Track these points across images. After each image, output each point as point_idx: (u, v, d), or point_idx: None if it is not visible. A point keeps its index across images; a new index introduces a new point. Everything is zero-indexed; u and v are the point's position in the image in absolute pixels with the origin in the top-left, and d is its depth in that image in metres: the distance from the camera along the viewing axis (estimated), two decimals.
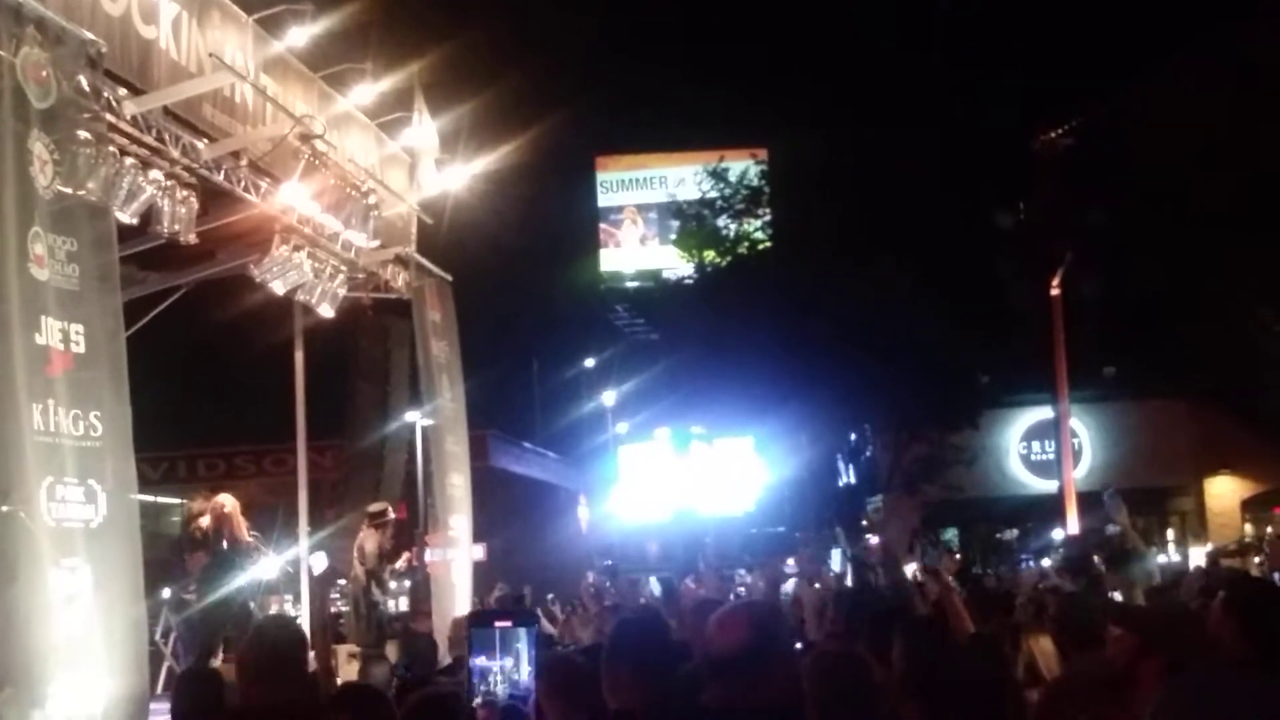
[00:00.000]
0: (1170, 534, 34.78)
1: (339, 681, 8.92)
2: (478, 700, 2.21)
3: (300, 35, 11.65)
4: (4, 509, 7.08)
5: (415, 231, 15.24)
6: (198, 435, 27.22)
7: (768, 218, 35.30)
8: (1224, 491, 34.41)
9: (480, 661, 2.25)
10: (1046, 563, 22.22)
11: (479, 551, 16.35)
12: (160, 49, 9.95)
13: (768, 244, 34.79)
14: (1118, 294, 26.76)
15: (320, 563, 14.17)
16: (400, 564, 14.95)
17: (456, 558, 15.27)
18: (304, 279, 12.92)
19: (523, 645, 2.32)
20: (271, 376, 16.41)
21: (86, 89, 8.33)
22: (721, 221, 35.23)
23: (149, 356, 10.70)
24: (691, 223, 36.26)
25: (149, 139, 9.96)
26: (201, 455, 28.34)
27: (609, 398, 42.97)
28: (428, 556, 16.05)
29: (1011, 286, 25.41)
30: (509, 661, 2.29)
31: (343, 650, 12.92)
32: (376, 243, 13.60)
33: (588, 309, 46.58)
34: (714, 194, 35.09)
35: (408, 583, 18.48)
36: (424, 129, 14.25)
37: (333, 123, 12.36)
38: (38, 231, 7.61)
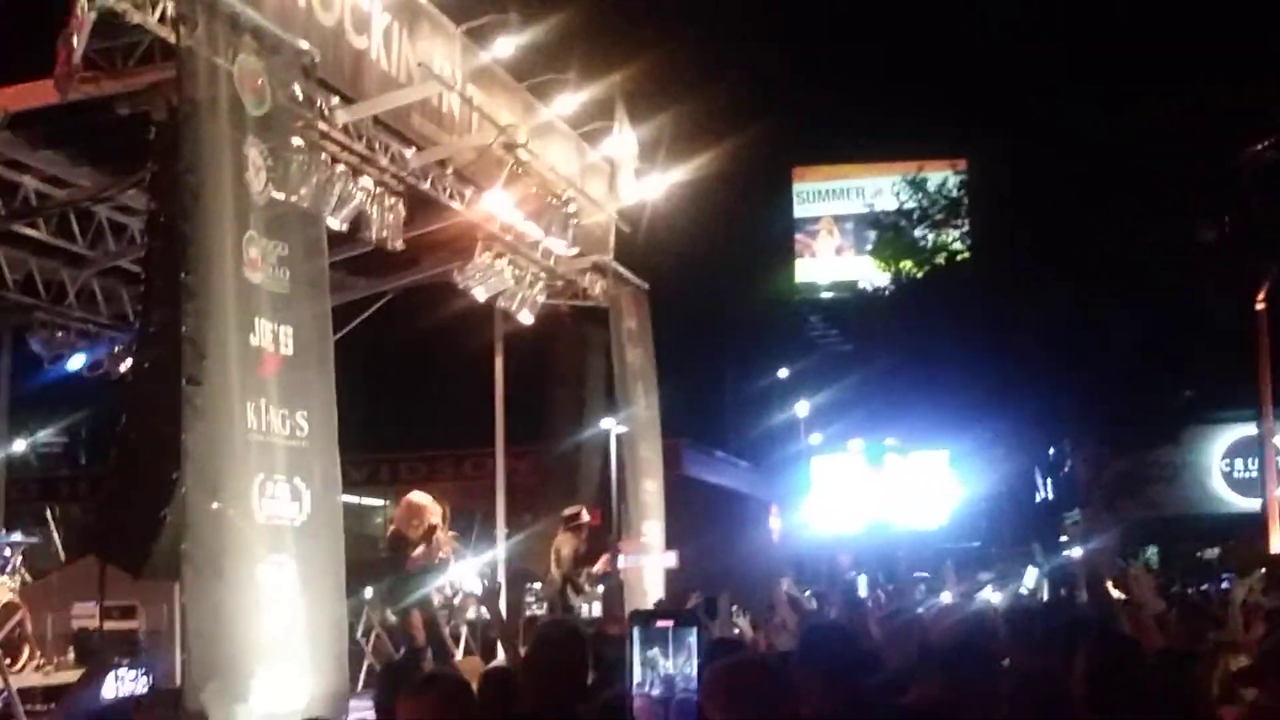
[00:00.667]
0: None
1: None
2: (637, 695, 2.13)
3: (506, 45, 11.76)
4: (214, 506, 7.25)
5: (613, 240, 15.28)
6: (400, 439, 27.85)
7: (966, 229, 34.51)
8: None
9: (641, 658, 2.15)
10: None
11: (671, 559, 16.27)
12: (371, 59, 10.15)
13: (966, 255, 33.99)
14: None
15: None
16: (597, 568, 14.98)
17: (649, 564, 15.24)
18: (505, 286, 13.08)
19: (685, 645, 2.20)
20: (471, 382, 16.67)
21: (300, 97, 8.54)
22: (919, 232, 34.59)
23: (355, 360, 10.91)
24: (889, 233, 35.68)
25: (359, 147, 10.18)
26: (404, 459, 29.00)
27: (802, 408, 42.56)
28: (621, 563, 16.05)
29: (1215, 301, 24.53)
30: (671, 661, 2.18)
31: None
32: (575, 250, 13.67)
33: (781, 319, 46.28)
34: (912, 204, 34.46)
35: (601, 588, 18.53)
36: (624, 138, 14.29)
37: (535, 132, 12.46)
38: (252, 235, 7.82)
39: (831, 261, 48.41)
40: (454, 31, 11.36)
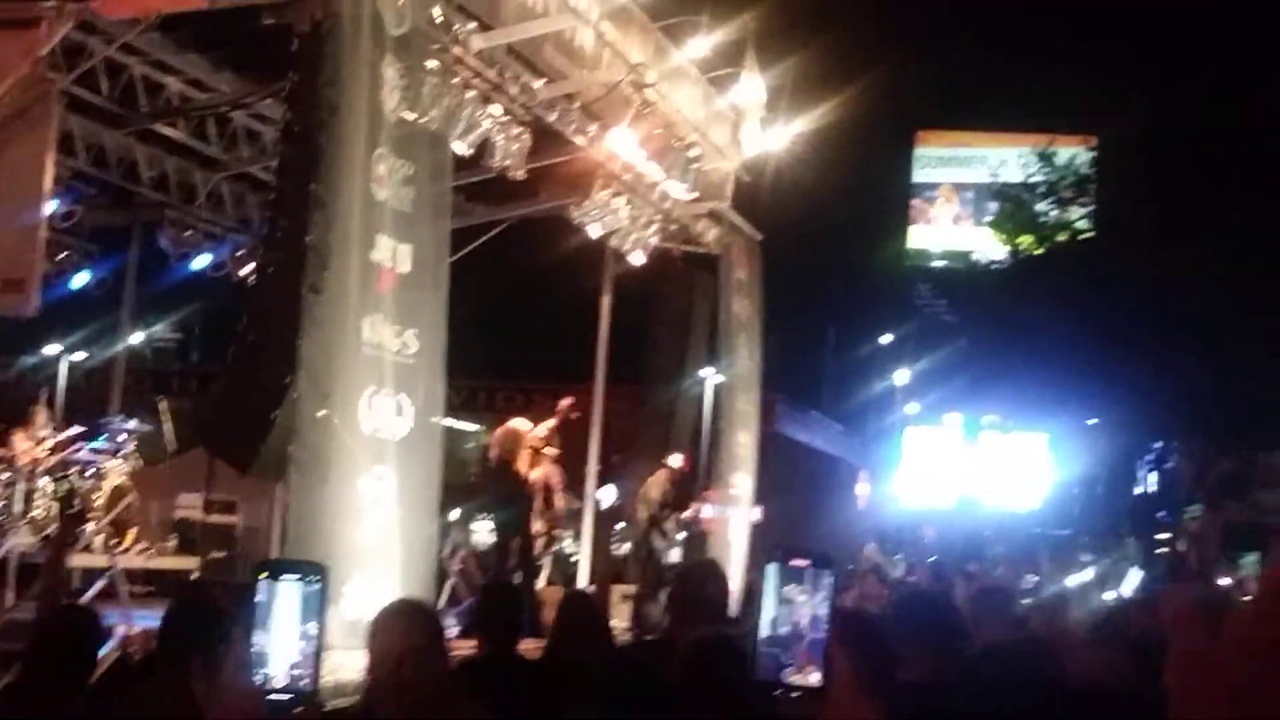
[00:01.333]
0: None
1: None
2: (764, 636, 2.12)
3: None
4: (322, 414, 7.45)
5: (731, 189, 15.23)
6: (500, 368, 28.12)
7: (1093, 208, 33.72)
8: None
9: (775, 596, 2.14)
10: None
11: (757, 514, 16.31)
12: None
13: (1089, 234, 33.23)
14: None
15: (610, 495, 14.39)
16: (688, 514, 15.08)
17: (735, 516, 15.30)
18: (619, 225, 13.13)
19: (822, 586, 2.20)
20: (576, 319, 16.76)
21: (438, 20, 8.65)
22: (1042, 206, 33.86)
23: (465, 286, 11.07)
24: (1011, 205, 35.00)
25: (490, 74, 10.26)
26: (501, 387, 29.27)
27: (901, 376, 42.16)
28: (706, 513, 16.14)
29: None
30: (808, 601, 2.17)
31: (617, 590, 13.14)
32: (693, 196, 13.67)
33: (890, 285, 45.71)
34: (1039, 178, 33.73)
35: (683, 535, 18.65)
36: (752, 86, 14.18)
37: (665, 74, 12.43)
38: (382, 153, 7.96)
39: (947, 230, 47.66)
40: None
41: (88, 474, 11.16)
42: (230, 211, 13.62)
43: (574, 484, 14.54)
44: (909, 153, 48.38)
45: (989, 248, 37.43)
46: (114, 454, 11.39)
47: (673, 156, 12.50)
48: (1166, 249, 27.65)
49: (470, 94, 9.98)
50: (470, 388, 28.18)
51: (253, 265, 11.50)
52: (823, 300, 40.74)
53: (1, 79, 7.97)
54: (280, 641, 2.43)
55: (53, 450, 11.19)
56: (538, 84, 10.94)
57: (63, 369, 24.17)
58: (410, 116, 8.31)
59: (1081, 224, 33.71)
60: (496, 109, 10.40)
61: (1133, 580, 13.32)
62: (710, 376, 18.46)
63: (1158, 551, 29.44)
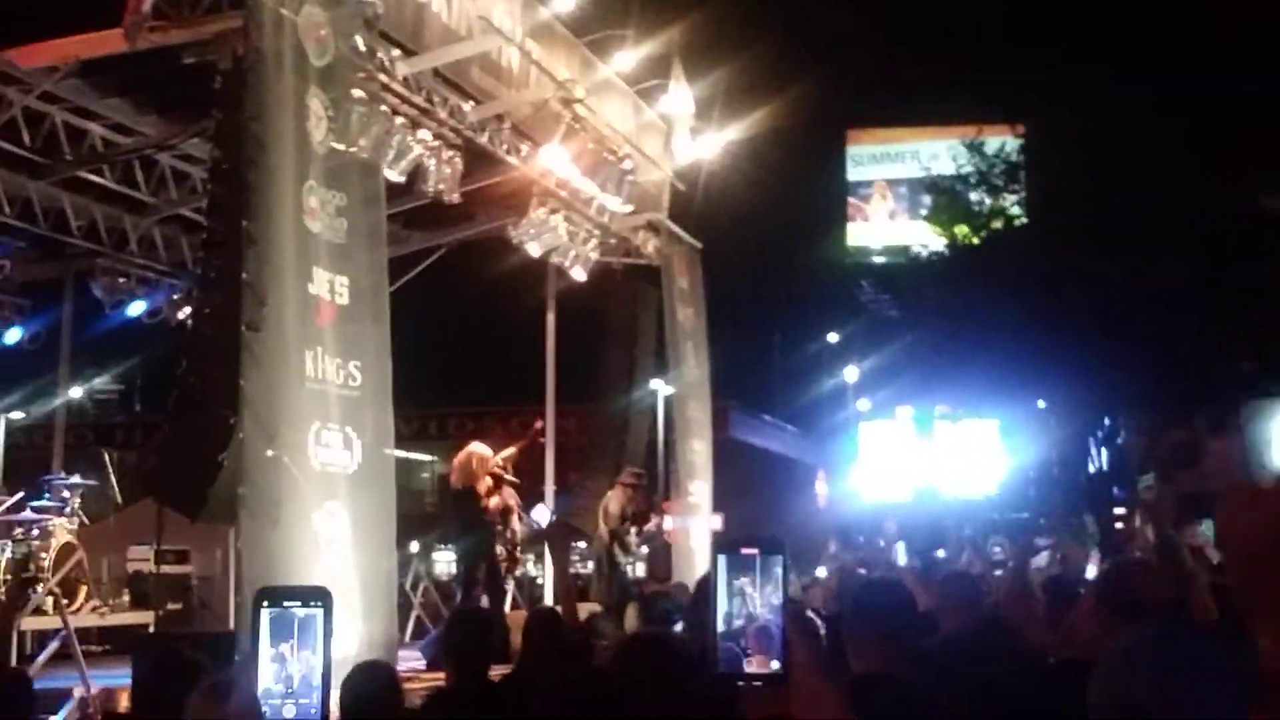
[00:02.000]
0: None
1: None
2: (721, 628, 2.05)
3: (566, 0, 11.71)
4: (270, 452, 7.32)
5: (667, 199, 15.23)
6: (449, 395, 27.99)
7: (1024, 194, 34.05)
8: None
9: (728, 589, 2.07)
10: None
11: (717, 521, 16.29)
12: (432, 11, 10.15)
13: (1023, 220, 33.56)
14: None
15: (543, 515, 14.29)
16: (650, 526, 15.01)
17: (695, 525, 15.26)
18: (559, 242, 13.08)
19: (772, 574, 2.13)
20: (522, 339, 16.70)
21: (362, 49, 8.56)
22: (975, 196, 34.15)
23: (408, 315, 10.97)
24: (945, 196, 35.27)
25: (419, 99, 10.19)
26: (452, 414, 29.11)
27: (851, 373, 42.41)
28: (667, 524, 16.08)
29: None
30: (759, 591, 2.11)
31: (584, 608, 13.03)
32: (630, 208, 13.65)
33: (832, 283, 46.02)
34: (969, 168, 34.03)
35: (646, 549, 18.58)
36: (681, 96, 14.20)
37: (593, 88, 12.42)
38: (312, 185, 7.87)
39: (884, 225, 48.01)
40: None
41: (34, 533, 10.91)
42: (164, 255, 13.42)
43: (532, 505, 14.44)
44: (842, 152, 48.74)
45: (926, 240, 37.71)
46: (59, 512, 11.15)
47: (606, 170, 12.47)
48: (1098, 233, 27.96)
49: (399, 120, 9.91)
50: (421, 417, 27.99)
51: (190, 308, 11.33)
52: (767, 303, 40.95)
53: None
54: (284, 671, 2.35)
55: None
56: (467, 106, 10.89)
57: (0, 428, 23.70)
58: (340, 147, 8.22)
59: (1015, 210, 34.01)
60: (426, 134, 10.32)
61: (1093, 566, 13.38)
62: (661, 387, 18.42)
63: (1117, 527, 29.69)
